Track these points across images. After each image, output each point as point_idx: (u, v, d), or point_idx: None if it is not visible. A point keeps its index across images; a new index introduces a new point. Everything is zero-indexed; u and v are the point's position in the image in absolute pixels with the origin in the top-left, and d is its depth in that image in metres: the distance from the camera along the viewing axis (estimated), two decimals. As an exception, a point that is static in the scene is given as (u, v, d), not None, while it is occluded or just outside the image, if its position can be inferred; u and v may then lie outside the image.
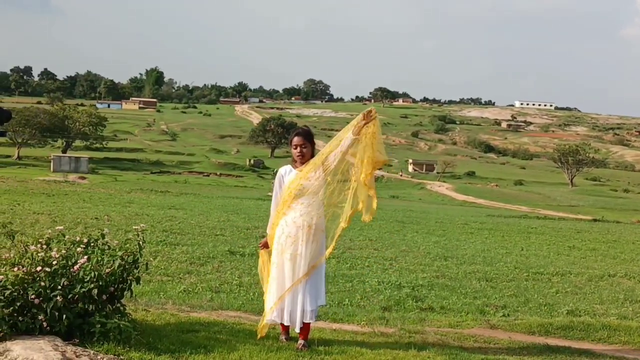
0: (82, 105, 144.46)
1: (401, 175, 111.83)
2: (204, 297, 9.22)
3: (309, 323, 6.55)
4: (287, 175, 6.74)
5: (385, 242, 18.93)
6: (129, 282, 6.11)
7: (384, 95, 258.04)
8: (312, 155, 6.66)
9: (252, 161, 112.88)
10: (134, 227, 6.56)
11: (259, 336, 6.53)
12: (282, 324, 6.63)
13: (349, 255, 15.27)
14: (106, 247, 6.21)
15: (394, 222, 27.29)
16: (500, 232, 26.07)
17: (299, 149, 6.65)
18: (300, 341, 6.43)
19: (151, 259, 11.84)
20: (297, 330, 6.47)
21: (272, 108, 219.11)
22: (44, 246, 6.00)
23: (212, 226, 19.23)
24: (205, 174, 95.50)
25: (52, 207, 22.16)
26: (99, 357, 5.30)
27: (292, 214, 6.53)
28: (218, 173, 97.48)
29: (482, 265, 15.35)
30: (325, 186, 6.54)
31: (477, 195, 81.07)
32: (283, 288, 6.47)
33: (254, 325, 6.86)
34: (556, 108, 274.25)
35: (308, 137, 6.70)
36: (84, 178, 64.85)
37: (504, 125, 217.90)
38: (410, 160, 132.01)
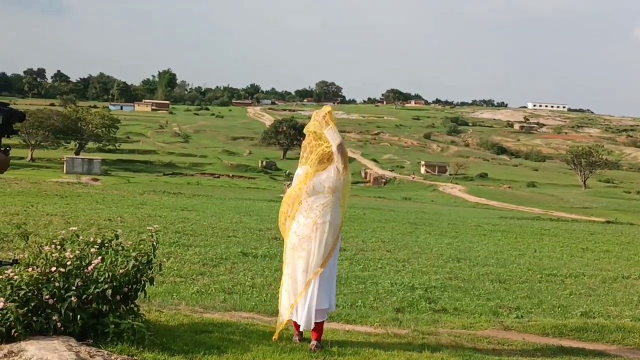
0: (94, 107, 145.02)
1: (413, 177, 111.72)
2: (217, 298, 9.24)
3: (322, 323, 6.55)
4: (303, 173, 6.75)
5: (398, 243, 18.89)
6: (142, 282, 6.12)
7: (396, 96, 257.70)
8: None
9: (264, 163, 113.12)
10: (147, 228, 6.58)
11: (275, 338, 6.53)
12: (295, 325, 6.63)
13: (361, 256, 15.26)
14: (120, 248, 6.22)
15: (407, 223, 27.24)
16: (513, 234, 25.98)
17: None
18: (313, 342, 6.43)
19: (164, 260, 11.87)
20: (303, 328, 6.48)
21: (284, 110, 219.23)
22: (58, 247, 6.02)
23: (224, 228, 19.24)
24: (216, 175, 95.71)
25: (66, 208, 22.23)
26: (112, 357, 5.31)
27: (304, 212, 6.53)
28: (230, 175, 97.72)
29: (495, 267, 15.30)
30: (337, 182, 6.54)
31: (490, 197, 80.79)
32: (296, 286, 6.48)
33: (267, 326, 6.86)
34: (569, 110, 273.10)
35: None
36: (96, 180, 65.16)
37: (516, 127, 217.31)
38: (423, 162, 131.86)
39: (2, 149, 4.95)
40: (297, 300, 6.45)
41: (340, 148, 6.50)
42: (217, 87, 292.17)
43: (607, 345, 8.05)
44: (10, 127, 5.09)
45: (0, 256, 6.07)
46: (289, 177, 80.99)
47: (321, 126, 6.55)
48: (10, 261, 5.79)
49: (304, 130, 6.83)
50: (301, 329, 6.54)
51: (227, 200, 37.33)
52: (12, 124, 5.08)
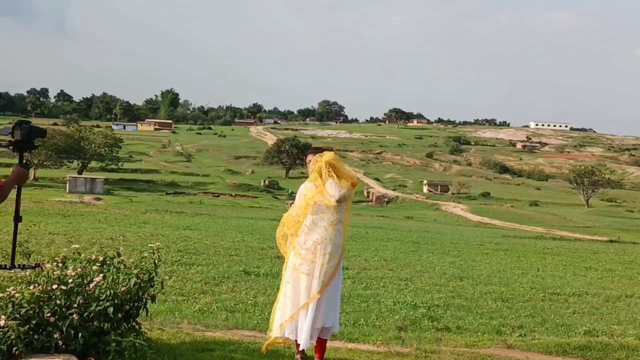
0: (97, 126, 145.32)
1: (417, 197, 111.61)
2: (219, 317, 9.21)
3: (325, 341, 6.53)
4: (308, 191, 6.70)
5: (401, 262, 18.86)
6: (144, 300, 6.11)
7: (399, 116, 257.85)
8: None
9: (266, 182, 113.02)
10: (149, 245, 6.57)
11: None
12: (297, 343, 6.60)
13: (364, 275, 15.22)
14: (122, 266, 6.22)
15: (409, 242, 27.22)
16: (516, 253, 25.94)
17: None
18: (316, 360, 6.41)
19: (166, 277, 11.85)
20: (302, 347, 6.46)
21: (286, 129, 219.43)
22: (60, 264, 6.02)
23: (227, 246, 19.23)
24: (216, 194, 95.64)
25: (68, 227, 22.24)
26: (114, 375, 5.29)
27: (307, 232, 6.51)
28: (233, 194, 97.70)
29: (498, 286, 15.26)
30: (338, 206, 6.52)
31: (492, 216, 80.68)
32: (297, 307, 6.45)
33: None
34: (571, 129, 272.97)
35: None
36: (99, 199, 65.17)
37: (519, 146, 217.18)
38: (425, 181, 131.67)
39: (23, 162, 5.19)
40: (289, 320, 6.45)
41: (341, 200, 6.48)
42: (220, 106, 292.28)
43: (611, 364, 8.01)
44: (31, 143, 5.33)
45: (2, 275, 6.08)
46: (292, 196, 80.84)
47: (323, 179, 6.50)
48: (33, 265, 5.88)
49: (308, 161, 6.80)
50: (300, 348, 6.51)
51: (229, 219, 37.32)
52: (32, 140, 5.37)
